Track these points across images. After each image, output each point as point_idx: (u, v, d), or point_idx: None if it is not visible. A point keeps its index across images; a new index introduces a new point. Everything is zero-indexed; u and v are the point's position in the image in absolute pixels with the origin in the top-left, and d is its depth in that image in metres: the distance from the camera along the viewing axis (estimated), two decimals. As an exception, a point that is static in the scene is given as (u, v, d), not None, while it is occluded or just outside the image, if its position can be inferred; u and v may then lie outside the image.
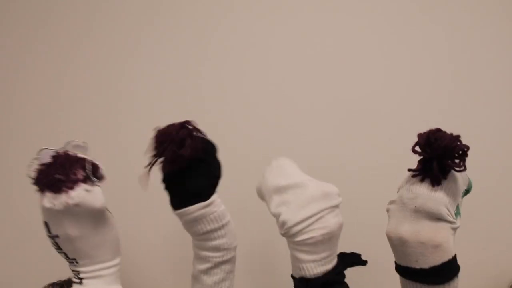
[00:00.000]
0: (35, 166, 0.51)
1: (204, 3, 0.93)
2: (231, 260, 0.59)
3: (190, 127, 0.56)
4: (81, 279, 0.54)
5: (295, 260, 0.55)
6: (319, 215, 0.53)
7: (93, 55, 0.94)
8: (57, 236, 0.52)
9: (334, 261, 0.55)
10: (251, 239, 0.83)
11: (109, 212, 0.57)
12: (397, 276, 0.54)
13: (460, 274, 0.52)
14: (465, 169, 0.50)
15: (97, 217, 0.54)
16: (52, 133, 0.92)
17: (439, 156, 0.49)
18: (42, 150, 0.52)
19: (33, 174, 0.51)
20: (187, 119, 0.57)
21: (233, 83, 0.91)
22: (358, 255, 0.59)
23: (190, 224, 0.56)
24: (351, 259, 0.58)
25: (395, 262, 0.54)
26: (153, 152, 0.55)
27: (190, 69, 0.92)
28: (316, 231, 0.52)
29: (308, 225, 0.53)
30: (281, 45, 0.92)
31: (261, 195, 0.59)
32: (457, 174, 0.51)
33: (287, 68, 0.91)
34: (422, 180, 0.51)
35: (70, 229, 0.52)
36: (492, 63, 0.89)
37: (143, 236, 0.89)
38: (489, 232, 0.86)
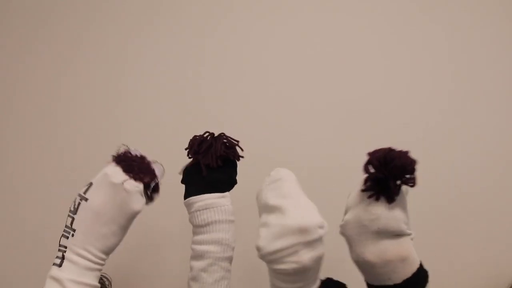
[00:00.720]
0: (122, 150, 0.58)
1: (203, 4, 0.93)
2: (229, 259, 0.60)
3: (227, 137, 0.63)
4: (63, 258, 0.53)
5: (271, 284, 0.55)
6: (292, 250, 0.50)
7: (93, 56, 0.94)
8: (86, 200, 0.55)
9: None
10: (246, 241, 0.83)
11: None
12: None
13: (461, 274, 0.52)
14: (416, 184, 0.50)
15: (126, 217, 0.56)
16: (51, 134, 0.92)
17: (395, 176, 0.49)
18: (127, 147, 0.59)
19: (121, 150, 0.58)
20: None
21: (232, 84, 0.92)
22: (343, 285, 0.58)
23: (200, 212, 0.59)
24: None
25: (367, 283, 0.54)
26: (197, 148, 0.61)
27: (190, 69, 0.92)
28: (288, 264, 0.50)
29: (281, 257, 0.50)
30: (281, 46, 0.92)
31: (257, 203, 0.59)
32: (403, 187, 0.52)
33: (286, 69, 0.91)
34: (377, 199, 0.51)
35: (103, 203, 0.55)
36: (492, 63, 0.89)
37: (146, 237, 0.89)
38: (489, 233, 0.86)
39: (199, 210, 0.59)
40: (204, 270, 0.58)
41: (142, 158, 0.58)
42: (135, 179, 0.56)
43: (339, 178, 0.85)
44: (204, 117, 0.90)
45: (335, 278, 0.58)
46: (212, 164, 0.60)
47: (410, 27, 0.90)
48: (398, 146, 0.50)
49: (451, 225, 0.85)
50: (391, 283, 0.51)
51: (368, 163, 0.51)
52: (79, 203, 0.55)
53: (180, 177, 0.63)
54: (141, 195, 0.56)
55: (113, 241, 0.56)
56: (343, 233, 0.54)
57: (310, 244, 0.50)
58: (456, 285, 0.83)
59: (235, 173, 0.64)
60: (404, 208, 0.52)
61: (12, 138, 0.93)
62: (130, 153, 0.58)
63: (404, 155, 0.49)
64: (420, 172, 0.50)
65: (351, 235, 0.53)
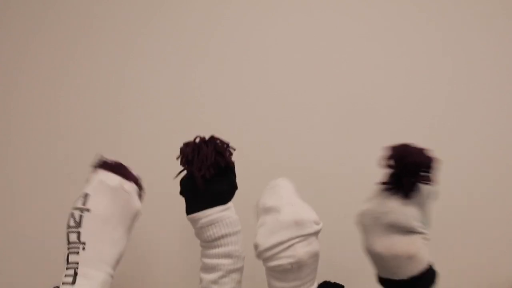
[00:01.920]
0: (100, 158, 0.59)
1: (203, 6, 0.93)
2: (240, 270, 0.59)
3: (217, 141, 0.60)
4: (76, 275, 0.51)
5: (268, 285, 0.56)
6: (287, 244, 0.52)
7: (91, 58, 0.93)
8: (88, 210, 0.54)
9: None
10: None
11: None
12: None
13: (459, 277, 0.53)
14: (434, 182, 0.51)
15: (129, 217, 0.57)
16: (50, 136, 0.92)
17: (410, 173, 0.50)
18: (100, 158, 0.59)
19: (101, 159, 0.59)
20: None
21: (231, 87, 0.91)
22: (341, 287, 0.59)
23: (205, 229, 0.57)
24: None
25: (377, 274, 0.56)
26: (189, 159, 0.58)
27: (189, 72, 0.92)
28: (283, 259, 0.52)
29: (277, 253, 0.52)
30: (278, 48, 0.91)
31: (256, 213, 0.61)
32: (424, 186, 0.52)
33: (285, 72, 0.91)
34: (393, 194, 0.52)
35: (106, 209, 0.55)
36: (492, 63, 0.89)
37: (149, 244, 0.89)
38: (488, 235, 0.86)
39: (204, 227, 0.57)
40: (214, 282, 0.57)
41: (121, 163, 0.59)
42: (129, 179, 0.57)
43: (340, 182, 0.86)
44: (204, 120, 0.90)
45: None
46: (206, 175, 0.57)
47: (409, 30, 0.90)
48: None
49: (449, 225, 0.85)
50: (396, 277, 0.52)
51: (385, 157, 0.52)
52: (80, 216, 0.53)
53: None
54: (138, 195, 0.58)
55: (123, 246, 0.56)
56: (359, 222, 0.56)
57: (305, 238, 0.52)
58: (455, 287, 0.83)
59: (234, 177, 0.62)
60: (420, 206, 0.52)
61: (12, 139, 0.93)
62: (109, 160, 0.59)
63: (419, 152, 0.50)
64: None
65: (365, 225, 0.54)
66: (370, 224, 0.53)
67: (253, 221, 0.58)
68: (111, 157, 0.59)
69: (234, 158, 0.61)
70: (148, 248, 0.87)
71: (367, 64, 0.90)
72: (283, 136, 0.90)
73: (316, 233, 0.54)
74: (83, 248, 0.52)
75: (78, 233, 0.52)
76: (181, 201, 0.62)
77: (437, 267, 0.55)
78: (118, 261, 0.55)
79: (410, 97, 0.89)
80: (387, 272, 0.53)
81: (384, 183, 0.53)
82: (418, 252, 0.51)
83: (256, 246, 0.54)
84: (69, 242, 0.53)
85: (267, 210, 0.55)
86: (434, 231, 0.85)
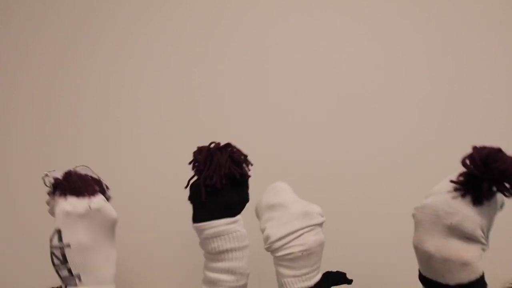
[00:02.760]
0: (50, 178, 0.54)
1: (202, 6, 0.93)
2: (243, 287, 0.57)
3: (234, 149, 0.58)
4: None
5: (278, 275, 0.58)
6: (298, 233, 0.56)
7: (91, 59, 0.93)
8: (68, 246, 0.52)
9: (315, 278, 0.57)
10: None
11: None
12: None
13: None
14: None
15: (109, 229, 0.55)
16: (50, 138, 0.92)
17: (493, 179, 0.46)
18: (48, 172, 0.55)
19: (51, 182, 0.53)
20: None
21: (230, 87, 0.91)
22: (343, 274, 0.60)
23: (210, 240, 0.55)
24: (335, 277, 0.59)
25: (420, 271, 0.53)
26: (200, 167, 0.56)
27: (189, 72, 0.92)
28: (295, 247, 0.55)
29: (289, 241, 0.55)
30: (278, 48, 0.91)
31: (257, 214, 0.62)
32: (498, 195, 0.49)
33: (285, 72, 0.91)
34: (463, 196, 0.48)
35: (84, 237, 0.52)
36: (492, 63, 0.89)
37: (150, 251, 0.89)
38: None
39: (209, 238, 0.55)
40: None
41: (70, 174, 0.54)
42: (92, 195, 0.53)
43: (339, 183, 0.86)
44: (204, 120, 0.90)
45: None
46: (218, 185, 0.55)
47: (410, 28, 0.90)
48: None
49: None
50: (443, 281, 0.49)
51: (469, 157, 0.48)
52: (63, 254, 0.52)
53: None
54: (106, 202, 0.55)
55: (114, 257, 0.55)
56: (415, 215, 0.52)
57: (313, 228, 0.56)
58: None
59: (247, 190, 0.59)
60: (489, 216, 0.49)
61: (11, 140, 0.93)
62: (57, 178, 0.54)
63: (509, 159, 0.46)
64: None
65: (422, 220, 0.51)
66: (428, 220, 0.50)
67: (251, 222, 0.58)
68: (52, 173, 0.55)
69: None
70: (146, 252, 0.88)
71: (367, 65, 0.90)
72: (283, 136, 0.89)
73: (321, 224, 0.58)
74: (79, 279, 0.52)
75: (69, 269, 0.52)
76: (182, 205, 0.61)
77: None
78: (115, 272, 0.55)
79: (410, 97, 0.89)
80: (433, 273, 0.50)
81: (457, 182, 0.48)
82: (474, 261, 0.48)
83: (267, 238, 0.56)
84: (62, 278, 0.52)
85: (273, 207, 0.58)
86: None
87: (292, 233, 0.55)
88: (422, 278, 0.52)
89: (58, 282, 0.54)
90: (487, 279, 0.47)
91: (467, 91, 0.89)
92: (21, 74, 0.95)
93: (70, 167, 0.55)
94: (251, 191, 0.60)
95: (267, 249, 0.57)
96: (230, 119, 0.90)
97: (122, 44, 0.94)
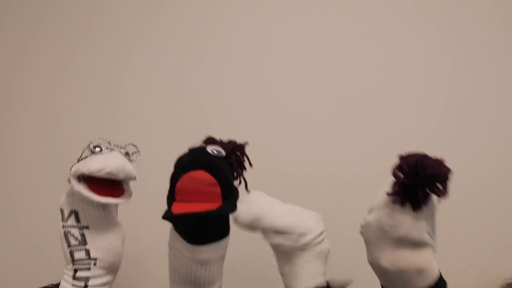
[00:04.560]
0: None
1: (202, 6, 0.93)
2: None
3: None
4: (86, 287, 0.51)
5: (302, 272, 0.58)
6: (324, 233, 0.60)
7: (93, 57, 0.94)
8: (86, 227, 0.52)
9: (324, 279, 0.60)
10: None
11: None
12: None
13: (452, 279, 0.52)
14: (447, 194, 0.48)
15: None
16: (49, 137, 0.92)
17: (426, 186, 0.47)
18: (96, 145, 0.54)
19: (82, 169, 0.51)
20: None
21: (230, 87, 0.91)
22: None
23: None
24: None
25: (384, 282, 0.53)
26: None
27: (189, 72, 0.92)
28: (327, 245, 0.60)
29: (324, 237, 0.60)
30: (278, 48, 0.91)
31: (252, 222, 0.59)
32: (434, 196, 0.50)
33: (284, 72, 0.91)
34: (402, 205, 0.48)
35: (101, 223, 0.53)
36: (492, 63, 0.89)
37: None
38: (480, 237, 0.85)
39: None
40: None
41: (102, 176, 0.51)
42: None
43: (339, 183, 0.86)
44: (203, 120, 0.90)
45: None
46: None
47: (410, 28, 0.90)
48: (402, 151, 0.49)
49: (448, 224, 0.85)
50: None
51: (398, 167, 0.48)
52: (82, 234, 0.52)
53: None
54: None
55: (121, 250, 0.56)
56: (362, 233, 0.53)
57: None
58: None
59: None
60: (430, 217, 0.50)
61: (10, 140, 0.93)
62: (91, 172, 0.51)
63: (438, 164, 0.47)
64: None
65: (369, 238, 0.51)
66: (376, 237, 0.50)
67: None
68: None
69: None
70: (145, 248, 0.87)
71: (367, 65, 0.90)
72: (283, 136, 0.90)
73: None
74: (95, 264, 0.52)
75: (87, 250, 0.52)
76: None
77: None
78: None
79: (410, 98, 0.89)
80: (394, 286, 0.51)
81: (393, 194, 0.48)
82: (428, 265, 0.49)
83: (309, 231, 0.58)
84: (75, 260, 0.52)
85: (292, 210, 0.60)
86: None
87: (323, 232, 0.60)
88: None
89: (56, 279, 0.54)
90: (488, 276, 0.48)
91: (467, 91, 0.89)
92: (21, 74, 0.95)
93: (69, 166, 0.55)
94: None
95: (307, 241, 0.58)
96: (230, 119, 0.90)
97: (122, 43, 0.94)
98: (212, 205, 0.49)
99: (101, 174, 0.50)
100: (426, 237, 0.49)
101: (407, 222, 0.48)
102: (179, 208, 0.49)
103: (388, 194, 0.49)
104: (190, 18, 0.93)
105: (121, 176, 0.52)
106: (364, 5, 0.91)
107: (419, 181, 0.46)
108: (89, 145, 0.53)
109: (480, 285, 0.84)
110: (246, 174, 0.63)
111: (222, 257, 0.55)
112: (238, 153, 0.57)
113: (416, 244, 0.49)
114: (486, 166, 0.86)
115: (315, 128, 0.90)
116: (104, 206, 0.53)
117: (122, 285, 0.84)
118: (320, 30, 0.92)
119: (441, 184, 0.47)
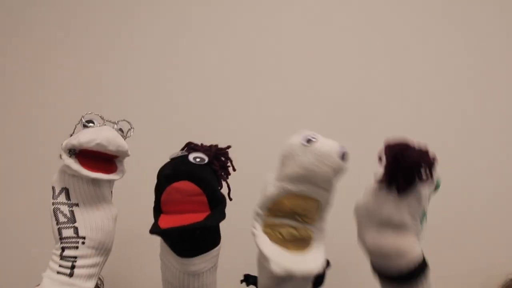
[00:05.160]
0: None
1: (202, 6, 0.93)
2: None
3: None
4: (73, 268, 0.51)
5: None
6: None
7: (91, 57, 0.94)
8: (76, 205, 0.52)
9: None
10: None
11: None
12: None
13: (452, 277, 0.53)
14: (431, 180, 0.50)
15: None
16: (41, 136, 0.92)
17: (406, 171, 0.50)
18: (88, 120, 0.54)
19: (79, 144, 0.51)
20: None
21: (230, 87, 0.92)
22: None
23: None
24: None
25: (371, 262, 0.56)
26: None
27: (188, 72, 0.92)
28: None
29: None
30: (278, 48, 0.92)
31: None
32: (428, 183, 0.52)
33: (284, 72, 0.92)
34: (388, 190, 0.52)
35: (91, 201, 0.53)
36: (492, 63, 0.89)
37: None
38: (480, 236, 0.86)
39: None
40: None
41: (98, 152, 0.52)
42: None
43: (340, 187, 0.85)
44: (202, 120, 0.90)
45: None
46: None
47: (411, 28, 0.90)
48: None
49: (448, 223, 0.85)
50: (388, 273, 0.53)
51: (382, 155, 0.51)
52: (71, 211, 0.52)
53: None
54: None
55: (113, 230, 0.55)
56: (354, 215, 0.56)
57: None
58: (447, 285, 0.83)
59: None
60: (417, 203, 0.52)
61: (11, 140, 0.93)
62: (86, 146, 0.51)
63: (417, 149, 0.50)
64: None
65: (358, 219, 0.55)
66: (362, 218, 0.55)
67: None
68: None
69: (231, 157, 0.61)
70: (145, 248, 0.87)
71: (367, 65, 0.91)
72: (283, 136, 0.90)
73: None
74: (83, 243, 0.51)
75: (75, 228, 0.52)
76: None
77: (432, 262, 0.56)
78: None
79: (410, 98, 0.89)
80: (378, 266, 0.55)
81: (379, 179, 0.53)
82: (409, 249, 0.52)
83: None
84: (62, 238, 0.51)
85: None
86: (433, 229, 0.86)
87: None
88: (372, 268, 0.56)
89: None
90: (492, 271, 0.48)
91: (467, 91, 0.89)
92: (21, 73, 0.96)
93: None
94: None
95: None
96: (230, 119, 0.91)
97: (122, 43, 0.94)
98: (199, 216, 0.50)
99: (91, 145, 0.50)
100: (408, 221, 0.52)
101: (390, 205, 0.52)
102: (166, 221, 0.50)
103: (376, 179, 0.53)
104: (190, 18, 0.93)
105: (111, 148, 0.52)
106: (365, 5, 0.91)
107: (399, 166, 0.49)
108: (81, 119, 0.53)
109: (483, 280, 0.84)
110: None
111: (214, 267, 0.56)
112: (222, 158, 0.57)
113: (398, 227, 0.52)
114: (490, 164, 0.87)
115: (316, 128, 0.89)
116: (95, 183, 0.53)
117: (120, 285, 0.84)
118: (319, 30, 0.92)
119: (423, 171, 0.50)
